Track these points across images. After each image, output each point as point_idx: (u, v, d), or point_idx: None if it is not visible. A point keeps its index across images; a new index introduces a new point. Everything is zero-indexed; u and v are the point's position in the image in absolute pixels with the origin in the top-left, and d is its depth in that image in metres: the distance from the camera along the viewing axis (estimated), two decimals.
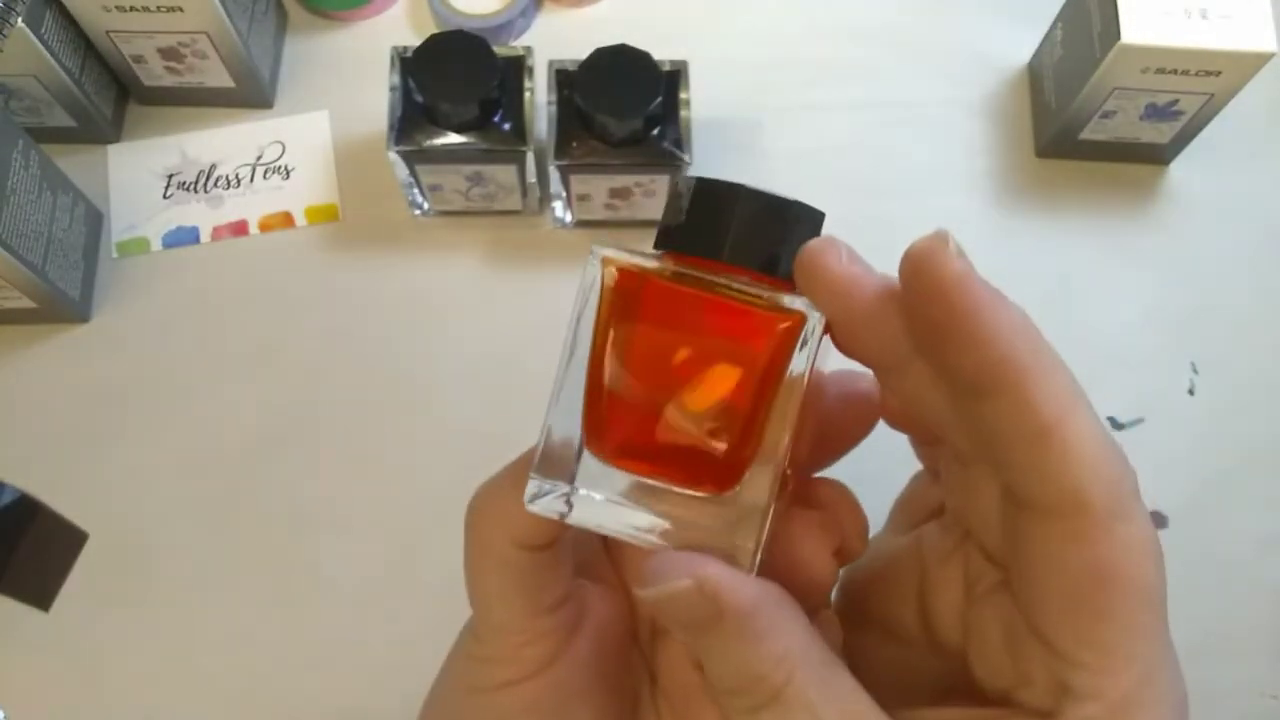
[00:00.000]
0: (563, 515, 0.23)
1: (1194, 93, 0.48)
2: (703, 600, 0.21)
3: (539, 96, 0.48)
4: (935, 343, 0.21)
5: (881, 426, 0.25)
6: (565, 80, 0.47)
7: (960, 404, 0.21)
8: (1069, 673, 0.20)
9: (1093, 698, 0.20)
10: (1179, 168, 0.55)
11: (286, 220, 0.53)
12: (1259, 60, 0.46)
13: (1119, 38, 0.46)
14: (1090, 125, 0.52)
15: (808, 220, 0.24)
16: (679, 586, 0.21)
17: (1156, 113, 0.50)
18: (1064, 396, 0.20)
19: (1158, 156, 0.54)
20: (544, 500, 0.23)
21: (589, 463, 0.23)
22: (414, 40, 0.47)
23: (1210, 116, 0.50)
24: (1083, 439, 0.19)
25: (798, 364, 0.22)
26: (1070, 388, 0.20)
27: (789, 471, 0.23)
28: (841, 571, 0.24)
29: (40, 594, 0.29)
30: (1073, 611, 0.20)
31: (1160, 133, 0.52)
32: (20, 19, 0.44)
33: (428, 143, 0.47)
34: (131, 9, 0.47)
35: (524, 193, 0.51)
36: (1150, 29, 0.46)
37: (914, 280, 0.21)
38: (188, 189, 0.53)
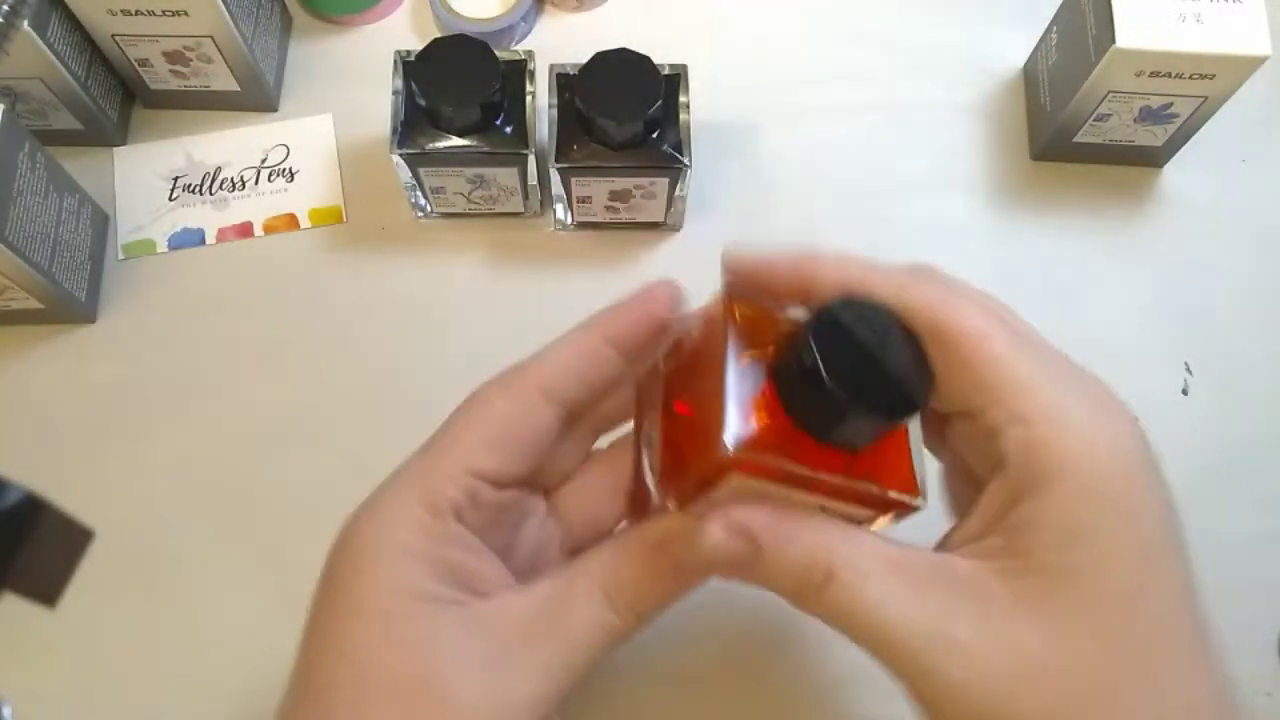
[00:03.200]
0: None
1: (1188, 96, 0.49)
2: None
3: (540, 100, 0.48)
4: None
5: None
6: (566, 84, 0.47)
7: None
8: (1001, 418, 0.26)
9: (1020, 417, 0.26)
10: (1173, 170, 0.55)
11: (291, 222, 0.53)
12: (1253, 63, 0.46)
13: (1114, 41, 0.46)
14: (1085, 128, 0.52)
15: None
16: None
17: (1151, 116, 0.51)
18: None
19: (1152, 159, 0.55)
20: None
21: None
22: (417, 44, 0.48)
23: (1204, 119, 0.51)
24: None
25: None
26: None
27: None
28: None
29: (46, 592, 0.30)
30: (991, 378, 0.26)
31: (1154, 135, 0.52)
32: (26, 23, 0.45)
33: (430, 146, 0.47)
34: (137, 13, 0.47)
35: (525, 195, 0.51)
36: (1145, 33, 0.46)
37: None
38: (193, 191, 0.54)
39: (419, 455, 0.31)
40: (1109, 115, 0.51)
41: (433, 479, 0.29)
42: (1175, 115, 0.51)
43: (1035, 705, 0.23)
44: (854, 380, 0.25)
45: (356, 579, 0.29)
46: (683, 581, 0.30)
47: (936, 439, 0.30)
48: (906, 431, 0.29)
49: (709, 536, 0.26)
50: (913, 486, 0.28)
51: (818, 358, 0.25)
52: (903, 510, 0.29)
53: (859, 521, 0.29)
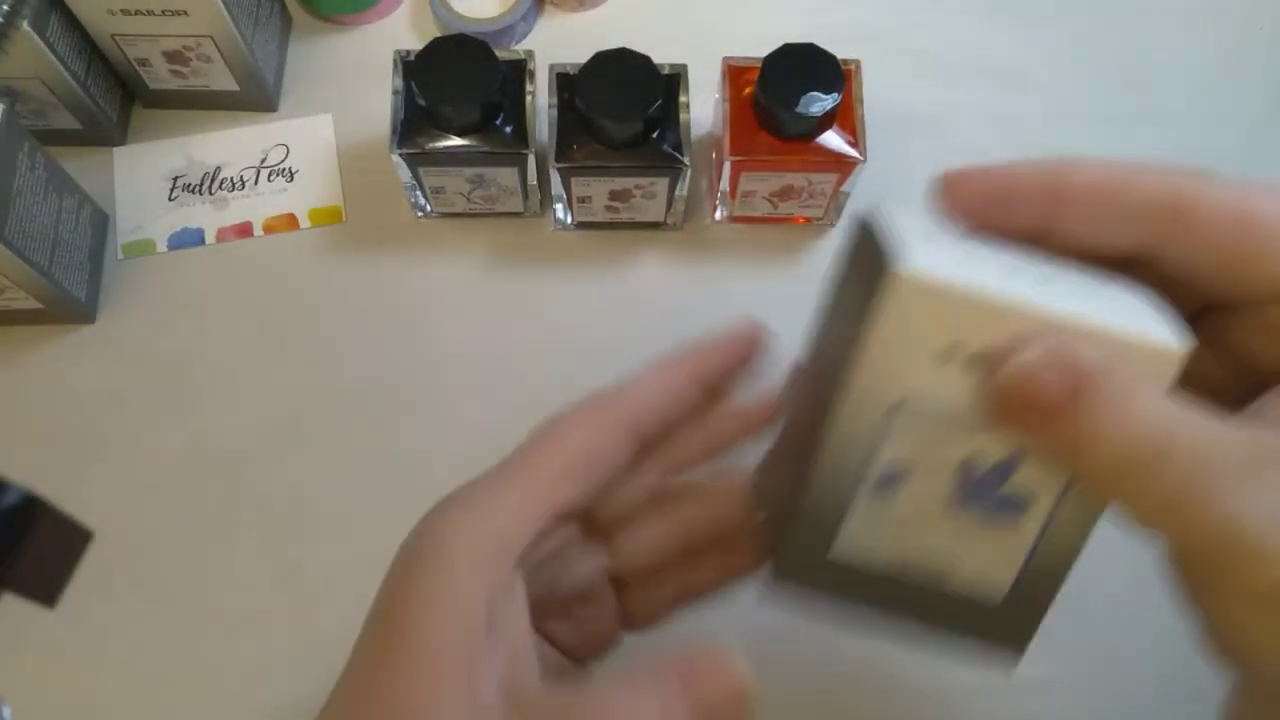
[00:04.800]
0: None
1: None
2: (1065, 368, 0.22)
3: (540, 100, 0.48)
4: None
5: None
6: (566, 83, 0.47)
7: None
8: None
9: None
10: None
11: (290, 222, 0.53)
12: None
13: None
14: None
15: None
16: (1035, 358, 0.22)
17: None
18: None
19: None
20: None
21: None
22: (416, 44, 0.48)
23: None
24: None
25: None
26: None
27: None
28: None
29: (46, 592, 0.30)
30: None
31: None
32: (26, 23, 0.45)
33: (430, 146, 0.47)
34: (136, 13, 0.47)
35: (525, 195, 0.51)
36: None
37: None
38: (193, 191, 0.54)
39: (498, 485, 0.29)
40: None
41: (508, 518, 0.28)
42: None
43: None
44: (783, 97, 0.45)
45: (427, 602, 0.28)
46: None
47: (1203, 332, 0.25)
48: (854, 115, 0.46)
49: (1023, 357, 0.22)
50: (854, 150, 0.46)
51: (760, 90, 0.45)
52: (849, 165, 0.47)
53: (827, 190, 0.48)
